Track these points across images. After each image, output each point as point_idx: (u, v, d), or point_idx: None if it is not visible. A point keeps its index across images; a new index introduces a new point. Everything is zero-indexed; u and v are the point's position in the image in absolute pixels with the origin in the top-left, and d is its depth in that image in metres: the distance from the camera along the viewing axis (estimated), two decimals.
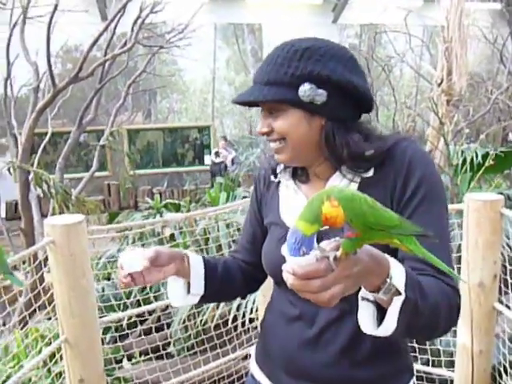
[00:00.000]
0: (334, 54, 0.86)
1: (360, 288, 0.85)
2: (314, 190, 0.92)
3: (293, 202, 0.96)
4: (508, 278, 1.72)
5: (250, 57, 11.08)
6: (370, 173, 0.87)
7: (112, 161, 10.03)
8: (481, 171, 3.62)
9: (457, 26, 3.33)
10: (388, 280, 0.67)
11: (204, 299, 1.01)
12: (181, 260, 0.95)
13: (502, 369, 1.79)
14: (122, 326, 2.51)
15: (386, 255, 0.69)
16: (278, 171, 1.00)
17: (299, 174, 0.97)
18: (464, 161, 3.85)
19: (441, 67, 3.31)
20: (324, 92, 0.84)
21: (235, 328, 2.37)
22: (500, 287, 1.75)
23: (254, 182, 1.09)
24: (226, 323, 2.36)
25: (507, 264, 1.76)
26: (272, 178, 1.02)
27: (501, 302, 1.72)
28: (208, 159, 10.33)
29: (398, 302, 0.68)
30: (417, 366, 2.11)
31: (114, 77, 4.08)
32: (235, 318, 2.41)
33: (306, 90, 0.83)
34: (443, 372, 2.04)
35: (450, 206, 2.20)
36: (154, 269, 0.90)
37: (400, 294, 0.68)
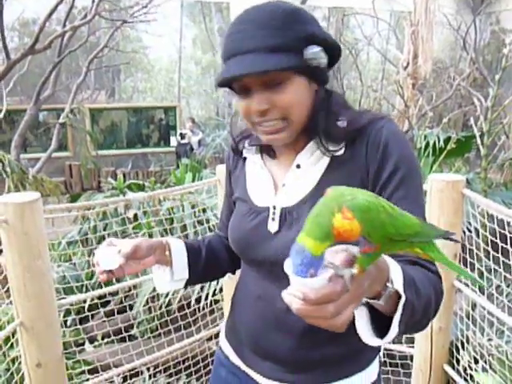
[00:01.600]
0: (310, 14, 0.81)
1: None
2: (281, 166, 0.90)
3: (258, 179, 0.93)
4: (467, 256, 1.77)
5: (217, 36, 10.87)
6: (341, 151, 0.83)
7: (73, 141, 9.67)
8: (443, 155, 3.72)
9: (424, 10, 3.35)
10: (389, 285, 0.62)
11: (190, 282, 1.00)
12: (162, 250, 0.93)
13: (459, 344, 1.85)
14: (83, 308, 2.44)
15: (384, 257, 0.63)
16: (243, 147, 0.97)
17: (265, 149, 0.93)
18: (427, 145, 3.95)
19: (407, 50, 3.34)
20: (325, 55, 0.78)
21: (199, 309, 2.35)
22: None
23: (225, 158, 1.07)
24: (189, 304, 2.34)
25: (466, 243, 1.81)
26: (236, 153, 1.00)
27: (459, 280, 1.77)
28: (174, 140, 10.15)
29: (400, 306, 0.64)
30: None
31: (74, 50, 3.88)
32: (199, 299, 2.39)
33: (313, 53, 0.76)
34: (403, 348, 2.10)
35: None
36: (133, 261, 0.87)
37: (399, 296, 0.63)
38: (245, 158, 0.98)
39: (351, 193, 0.57)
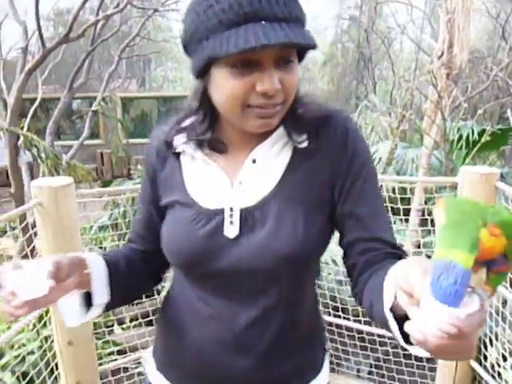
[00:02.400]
0: None
1: (302, 288, 0.80)
2: (232, 161, 0.79)
3: (204, 177, 0.79)
4: None
5: None
6: (305, 143, 0.77)
7: (105, 129, 9.89)
8: (476, 148, 3.61)
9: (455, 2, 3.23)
10: None
11: (108, 307, 0.82)
12: (82, 268, 0.74)
13: (487, 341, 1.81)
14: None
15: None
16: (177, 141, 0.81)
17: (212, 143, 0.79)
18: (460, 137, 3.85)
19: (442, 39, 3.23)
20: None
21: None
22: None
23: (145, 157, 0.88)
24: None
25: None
26: (167, 150, 0.83)
27: None
28: None
29: None
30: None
31: (106, 39, 3.96)
32: None
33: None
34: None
35: (445, 179, 2.19)
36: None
37: None
38: (177, 155, 0.82)
39: (496, 209, 0.51)
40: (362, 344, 2.29)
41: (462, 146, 3.81)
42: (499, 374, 1.75)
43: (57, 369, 1.68)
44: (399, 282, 0.54)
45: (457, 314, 0.43)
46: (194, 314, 0.82)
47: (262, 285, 0.76)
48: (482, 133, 3.73)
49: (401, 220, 2.37)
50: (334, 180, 0.76)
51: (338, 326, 2.28)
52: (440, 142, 3.44)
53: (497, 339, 1.76)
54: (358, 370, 2.38)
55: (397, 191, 2.47)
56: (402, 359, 2.22)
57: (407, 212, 2.41)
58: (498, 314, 1.78)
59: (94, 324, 2.01)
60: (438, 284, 0.44)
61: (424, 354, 0.56)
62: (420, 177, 2.81)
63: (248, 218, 0.75)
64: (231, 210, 0.75)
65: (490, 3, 7.11)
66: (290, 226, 0.73)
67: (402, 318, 0.56)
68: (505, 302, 1.82)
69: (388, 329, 0.63)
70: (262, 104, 0.69)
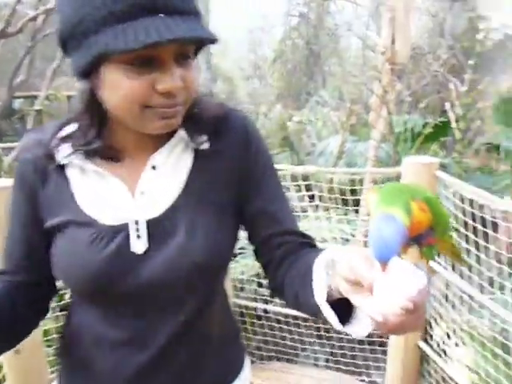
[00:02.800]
0: None
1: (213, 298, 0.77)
2: (131, 170, 0.72)
3: (100, 191, 0.71)
4: None
5: None
6: (206, 145, 0.74)
7: None
8: (420, 140, 3.80)
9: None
10: None
11: None
12: None
13: (432, 321, 1.92)
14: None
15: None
16: (61, 153, 0.71)
17: (104, 151, 0.71)
18: (405, 130, 4.02)
19: (385, 36, 3.36)
20: None
21: None
22: None
23: (16, 174, 0.76)
24: None
25: None
26: (49, 163, 0.72)
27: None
28: None
29: None
30: None
31: (47, 35, 3.79)
32: None
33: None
34: None
35: (390, 170, 2.29)
36: None
37: None
38: (62, 167, 0.72)
39: (423, 189, 0.56)
40: (317, 333, 2.35)
41: (406, 138, 3.99)
42: (445, 352, 1.85)
43: (4, 380, 1.61)
44: (342, 272, 0.55)
45: (411, 291, 0.46)
46: (101, 339, 0.74)
47: (178, 297, 0.73)
48: (425, 125, 3.94)
49: (351, 211, 2.45)
50: (239, 180, 0.75)
51: (294, 318, 2.32)
52: (386, 134, 3.57)
53: (441, 319, 1.87)
54: (316, 359, 2.44)
55: (348, 183, 2.55)
56: (356, 345, 2.31)
57: (357, 203, 2.49)
58: (442, 296, 1.88)
59: (45, 331, 1.94)
60: (378, 233, 0.47)
61: (361, 333, 0.62)
62: (367, 168, 2.91)
63: (156, 229, 0.70)
64: (136, 223, 0.69)
65: (429, 2, 7.44)
66: (202, 233, 0.71)
67: (333, 304, 0.62)
68: (448, 285, 1.93)
69: (316, 315, 0.66)
70: (163, 104, 0.64)
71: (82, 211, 0.71)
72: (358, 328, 0.62)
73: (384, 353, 2.16)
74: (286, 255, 0.75)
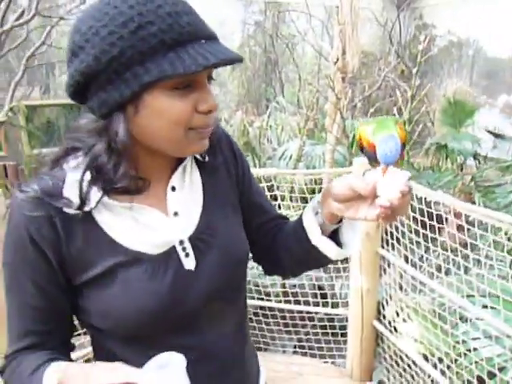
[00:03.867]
0: None
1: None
2: (154, 195, 0.72)
3: (134, 223, 0.70)
4: (387, 227, 2.07)
5: None
6: (207, 157, 0.79)
7: (6, 140, 9.27)
8: None
9: (349, 10, 3.67)
10: None
11: None
12: None
13: (384, 302, 2.17)
14: None
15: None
16: (93, 195, 0.67)
17: (133, 183, 0.68)
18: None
19: (336, 47, 3.64)
20: None
21: None
22: (382, 235, 2.10)
23: (19, 238, 0.67)
24: None
25: None
26: (70, 211, 0.66)
27: (382, 247, 2.08)
28: None
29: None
30: (318, 309, 2.45)
31: (13, 49, 3.83)
32: None
33: None
34: (340, 311, 2.40)
35: (343, 170, 2.53)
36: None
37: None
38: (86, 214, 0.67)
39: (391, 117, 0.78)
40: (284, 321, 2.56)
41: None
42: (395, 329, 2.10)
43: None
44: (340, 192, 0.68)
45: (403, 180, 0.64)
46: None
47: (230, 300, 0.79)
48: None
49: None
50: (236, 182, 0.84)
51: (262, 308, 2.52)
52: (341, 138, 3.85)
53: (391, 299, 2.12)
54: (284, 346, 2.65)
55: (307, 183, 2.78)
56: (318, 330, 2.53)
57: None
58: (393, 281, 2.14)
59: None
60: (386, 145, 0.67)
61: (345, 254, 0.77)
62: (324, 169, 3.17)
63: (198, 243, 0.73)
64: (181, 243, 0.72)
65: (378, 12, 7.89)
66: (234, 234, 0.80)
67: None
68: (392, 265, 2.19)
69: (315, 256, 0.78)
70: (203, 124, 0.67)
71: (127, 249, 0.69)
72: (350, 249, 0.78)
73: (345, 335, 2.40)
74: (277, 233, 0.87)
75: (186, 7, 0.64)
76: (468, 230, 1.64)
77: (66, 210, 0.66)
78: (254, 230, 0.87)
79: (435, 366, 1.85)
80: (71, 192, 0.66)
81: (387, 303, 2.14)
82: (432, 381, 1.88)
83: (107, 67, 0.61)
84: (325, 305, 2.44)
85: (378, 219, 0.66)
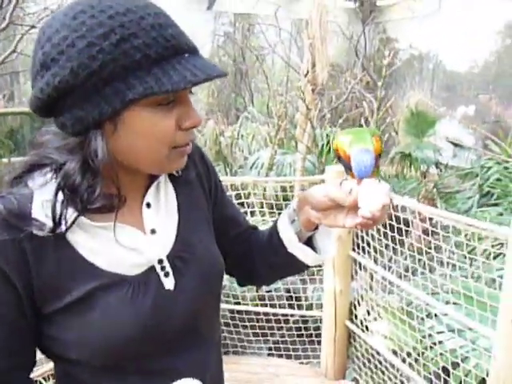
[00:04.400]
0: None
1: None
2: (129, 213, 0.68)
3: (110, 243, 0.64)
4: (358, 231, 2.19)
5: None
6: (180, 171, 0.75)
7: None
8: None
9: (318, 24, 3.83)
10: None
11: None
12: None
13: (356, 303, 2.28)
14: None
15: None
16: (68, 216, 0.61)
17: (105, 204, 0.62)
18: (328, 142, 4.49)
19: (306, 60, 3.79)
20: None
21: None
22: (353, 239, 2.22)
23: None
24: None
25: None
26: (40, 233, 0.60)
27: (353, 250, 2.20)
28: None
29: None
30: (293, 312, 2.54)
31: None
32: None
33: None
34: (314, 313, 2.50)
35: (314, 178, 2.65)
36: None
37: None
38: (57, 236, 0.61)
39: (368, 128, 0.84)
40: (260, 324, 2.63)
41: (330, 149, 4.46)
42: (367, 328, 2.22)
43: None
44: (319, 200, 0.69)
45: (384, 192, 0.66)
46: None
47: (212, 311, 0.79)
48: None
49: None
50: (209, 194, 0.82)
51: (239, 312, 2.59)
52: (311, 147, 4.00)
53: (362, 300, 2.23)
54: (260, 348, 2.72)
55: (279, 191, 2.88)
56: (294, 332, 2.62)
57: None
58: (364, 282, 2.26)
59: None
60: (361, 159, 0.68)
61: (321, 259, 0.79)
62: (295, 177, 3.28)
63: (177, 261, 0.70)
64: (160, 262, 0.68)
65: (343, 25, 8.18)
66: (210, 247, 0.78)
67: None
68: (366, 270, 2.31)
69: (291, 263, 0.78)
70: (186, 141, 0.64)
71: (105, 272, 0.64)
72: (326, 254, 0.79)
73: (319, 336, 2.50)
74: (251, 243, 0.86)
75: (168, 19, 0.60)
76: (432, 232, 1.78)
77: (35, 232, 0.60)
78: (228, 241, 0.85)
79: (404, 361, 1.97)
80: (41, 213, 0.60)
81: (359, 304, 2.25)
82: (401, 374, 2.00)
83: (85, 82, 0.56)
84: (299, 307, 2.53)
85: (357, 227, 0.69)
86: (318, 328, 2.52)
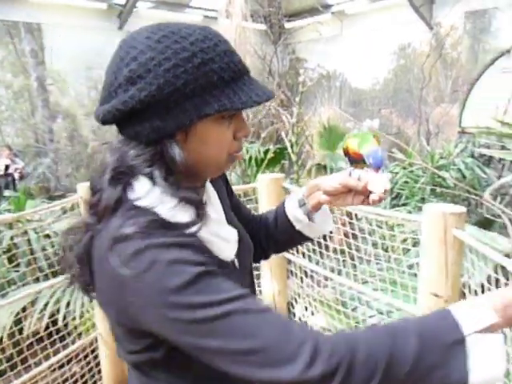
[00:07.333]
0: None
1: None
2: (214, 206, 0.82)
3: (217, 238, 0.76)
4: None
5: (29, 58, 10.21)
6: None
7: None
8: (264, 163, 4.49)
9: (233, 44, 4.04)
10: None
11: None
12: None
13: (293, 301, 2.42)
14: None
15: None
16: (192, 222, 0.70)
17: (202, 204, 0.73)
18: (250, 157, 4.69)
19: None
20: None
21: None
22: None
23: (195, 259, 0.64)
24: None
25: None
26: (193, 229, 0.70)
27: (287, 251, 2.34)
28: None
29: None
30: None
31: None
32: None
33: None
34: None
35: (247, 186, 2.78)
36: None
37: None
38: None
39: (368, 131, 1.03)
40: None
41: (252, 163, 4.66)
42: (306, 323, 2.36)
43: None
44: (332, 186, 0.86)
45: (387, 179, 0.84)
46: None
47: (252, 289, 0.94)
48: (266, 152, 4.66)
49: None
50: (228, 193, 0.97)
51: None
52: (237, 162, 4.15)
53: (299, 297, 2.38)
54: None
55: None
56: None
57: None
58: (300, 281, 2.41)
59: None
60: (377, 155, 0.89)
61: (324, 231, 1.00)
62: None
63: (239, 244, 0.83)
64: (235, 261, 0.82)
65: (257, 46, 8.55)
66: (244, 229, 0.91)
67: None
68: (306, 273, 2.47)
69: (297, 238, 0.97)
70: (238, 149, 0.75)
71: (216, 259, 0.74)
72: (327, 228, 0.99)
73: None
74: (259, 227, 1.01)
75: (231, 46, 0.71)
76: (353, 235, 1.98)
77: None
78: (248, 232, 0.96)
79: None
80: (182, 216, 0.69)
81: (296, 301, 2.39)
82: None
83: (169, 97, 0.65)
84: None
85: (364, 204, 0.87)
86: None
